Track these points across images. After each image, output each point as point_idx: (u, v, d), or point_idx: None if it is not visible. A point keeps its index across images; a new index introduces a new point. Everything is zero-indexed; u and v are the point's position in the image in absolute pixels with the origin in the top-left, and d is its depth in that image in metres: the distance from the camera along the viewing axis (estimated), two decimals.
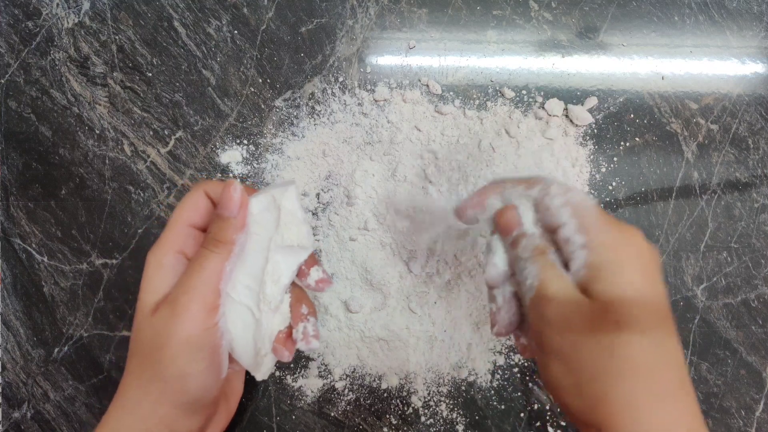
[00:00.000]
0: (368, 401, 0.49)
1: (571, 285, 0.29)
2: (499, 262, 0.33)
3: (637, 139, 0.49)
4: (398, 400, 0.49)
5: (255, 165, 0.50)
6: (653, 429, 0.26)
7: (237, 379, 0.42)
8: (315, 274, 0.36)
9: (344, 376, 0.49)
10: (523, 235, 0.31)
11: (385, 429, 0.49)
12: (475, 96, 0.50)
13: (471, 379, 0.48)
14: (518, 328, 0.34)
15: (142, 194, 0.50)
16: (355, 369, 0.49)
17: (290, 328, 0.36)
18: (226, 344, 0.33)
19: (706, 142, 0.49)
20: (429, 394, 0.49)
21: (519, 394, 0.48)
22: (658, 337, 0.27)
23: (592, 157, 0.49)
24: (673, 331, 0.28)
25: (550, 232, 0.31)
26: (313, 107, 0.50)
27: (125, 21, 0.50)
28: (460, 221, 0.35)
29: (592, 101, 0.49)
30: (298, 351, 0.50)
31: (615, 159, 0.49)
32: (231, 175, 0.50)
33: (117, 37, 0.50)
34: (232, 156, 0.50)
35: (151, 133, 0.50)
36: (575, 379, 0.27)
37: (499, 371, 0.48)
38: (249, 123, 0.50)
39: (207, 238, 0.32)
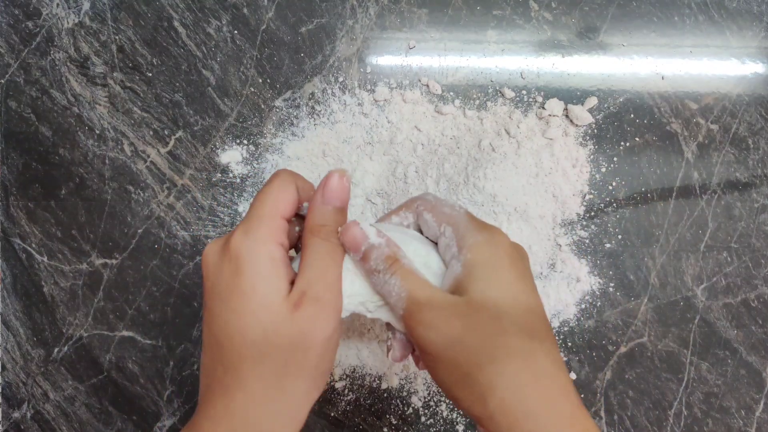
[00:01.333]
0: (368, 401, 0.49)
1: (437, 288, 0.30)
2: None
3: (637, 139, 0.49)
4: (398, 400, 0.49)
5: (255, 165, 0.50)
6: (539, 408, 0.27)
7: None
8: None
9: (344, 376, 0.49)
10: (372, 248, 0.31)
11: (385, 429, 0.49)
12: (475, 96, 0.50)
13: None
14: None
15: (142, 194, 0.50)
16: (355, 369, 0.49)
17: None
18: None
19: (706, 142, 0.49)
20: (429, 394, 0.49)
21: None
22: (536, 338, 0.29)
23: (592, 157, 0.49)
24: (551, 334, 0.30)
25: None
26: (313, 107, 0.50)
27: (125, 21, 0.50)
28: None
29: (592, 101, 0.49)
30: None
31: (615, 159, 0.49)
32: (231, 175, 0.50)
33: (117, 37, 0.50)
34: (232, 156, 0.50)
35: (151, 133, 0.50)
36: (462, 373, 0.28)
37: None
38: (249, 123, 0.50)
39: (324, 231, 0.31)
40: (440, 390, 0.48)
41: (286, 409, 0.30)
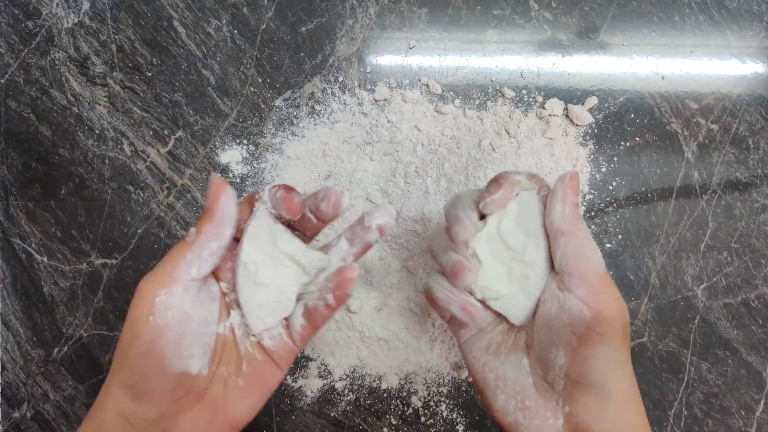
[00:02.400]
0: (368, 401, 0.49)
1: None
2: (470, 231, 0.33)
3: (637, 139, 0.49)
4: (398, 401, 0.49)
5: (255, 165, 0.50)
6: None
7: (240, 400, 0.35)
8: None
9: (344, 377, 0.49)
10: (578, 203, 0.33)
11: (385, 429, 0.49)
12: (475, 96, 0.50)
13: (471, 379, 0.48)
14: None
15: (141, 194, 0.50)
16: (355, 369, 0.49)
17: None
18: (175, 334, 0.32)
19: (707, 142, 0.49)
20: (429, 394, 0.49)
21: None
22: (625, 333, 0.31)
23: (592, 157, 0.49)
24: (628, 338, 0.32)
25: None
26: (313, 107, 0.50)
27: (125, 21, 0.50)
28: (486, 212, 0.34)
29: (592, 101, 0.49)
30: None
31: (615, 159, 0.49)
32: (231, 175, 0.50)
33: (117, 37, 0.50)
34: (231, 156, 0.50)
35: (151, 132, 0.50)
36: (622, 353, 0.30)
37: None
38: (249, 123, 0.50)
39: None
40: (440, 390, 0.48)
41: (106, 390, 0.32)
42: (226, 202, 0.33)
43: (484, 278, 0.33)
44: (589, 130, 0.49)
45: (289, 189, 0.33)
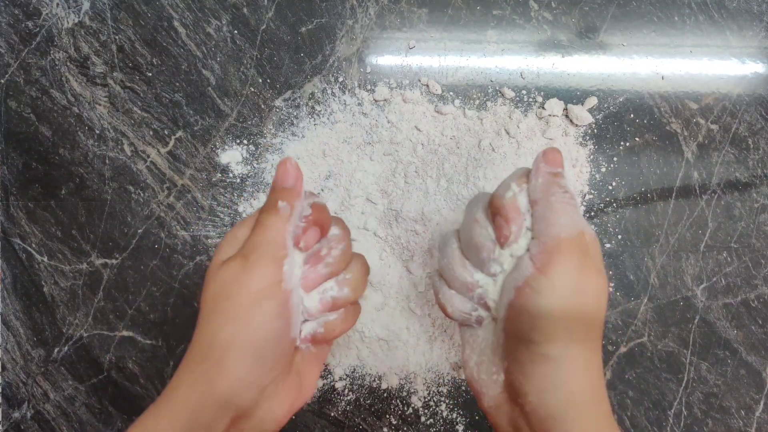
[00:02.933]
0: (368, 401, 0.49)
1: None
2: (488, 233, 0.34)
3: (637, 139, 0.49)
4: (398, 400, 0.49)
5: (255, 165, 0.50)
6: (578, 397, 0.29)
7: (313, 366, 0.38)
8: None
9: (344, 377, 0.49)
10: (563, 176, 0.33)
11: (385, 429, 0.49)
12: (475, 96, 0.50)
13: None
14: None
15: (142, 194, 0.50)
16: (355, 369, 0.49)
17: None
18: (297, 304, 0.33)
19: (706, 142, 0.49)
20: (429, 394, 0.49)
21: None
22: (590, 326, 0.31)
23: (592, 157, 0.49)
24: (602, 321, 0.32)
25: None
26: (313, 107, 0.50)
27: (125, 21, 0.50)
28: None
29: (592, 101, 0.49)
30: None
31: (615, 159, 0.49)
32: (231, 175, 0.50)
33: (117, 37, 0.50)
34: (232, 156, 0.50)
35: (151, 133, 0.50)
36: (516, 342, 0.30)
37: None
38: (249, 123, 0.50)
39: (267, 203, 0.34)
40: (440, 390, 0.48)
41: (210, 356, 0.31)
42: (302, 182, 0.35)
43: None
44: (589, 131, 0.49)
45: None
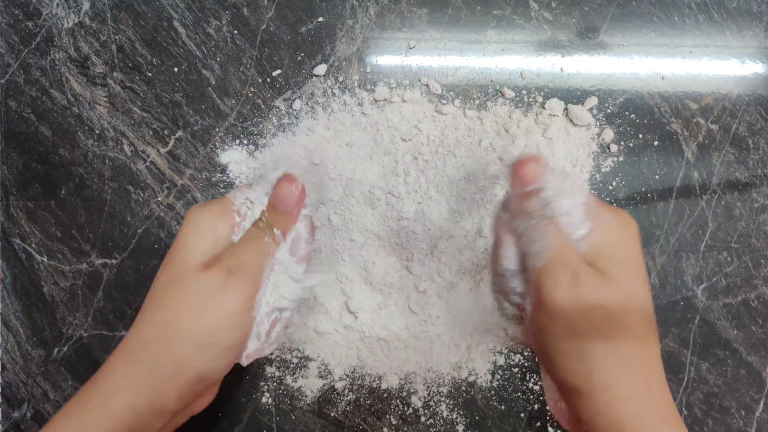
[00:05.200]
0: (368, 401, 0.49)
1: (579, 256, 0.31)
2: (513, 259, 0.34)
3: (637, 138, 0.49)
4: (398, 401, 0.49)
5: (255, 165, 0.50)
6: (642, 396, 0.28)
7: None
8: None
9: (344, 377, 0.49)
10: (538, 190, 0.32)
11: (385, 429, 0.49)
12: (475, 96, 0.50)
13: (471, 379, 0.48)
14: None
15: (141, 194, 0.50)
16: (355, 369, 0.49)
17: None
18: (255, 328, 0.34)
19: (706, 142, 0.49)
20: (429, 394, 0.49)
21: (519, 394, 0.48)
22: (651, 316, 0.30)
23: (592, 156, 0.49)
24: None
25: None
26: (313, 107, 0.50)
27: (125, 21, 0.50)
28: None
29: (592, 101, 0.49)
30: (298, 351, 0.50)
31: (615, 159, 0.49)
32: (231, 175, 0.50)
33: (117, 37, 0.50)
34: (232, 156, 0.50)
35: (151, 133, 0.50)
36: (579, 345, 0.29)
37: (499, 371, 0.48)
38: (249, 123, 0.50)
39: (265, 221, 0.34)
40: (440, 390, 0.48)
41: (163, 361, 0.30)
42: (301, 206, 0.36)
43: None
44: (590, 131, 0.49)
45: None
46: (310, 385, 0.49)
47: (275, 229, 0.33)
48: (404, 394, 0.49)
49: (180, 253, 0.32)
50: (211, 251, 0.32)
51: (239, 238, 0.34)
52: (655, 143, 0.49)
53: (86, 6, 0.51)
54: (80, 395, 0.31)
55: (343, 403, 0.49)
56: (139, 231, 0.50)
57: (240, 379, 0.49)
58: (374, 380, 0.49)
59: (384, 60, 0.50)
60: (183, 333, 0.30)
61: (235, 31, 0.50)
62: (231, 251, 0.32)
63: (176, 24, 0.50)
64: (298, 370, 0.49)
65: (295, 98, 0.50)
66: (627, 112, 0.49)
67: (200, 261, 0.32)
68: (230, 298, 0.31)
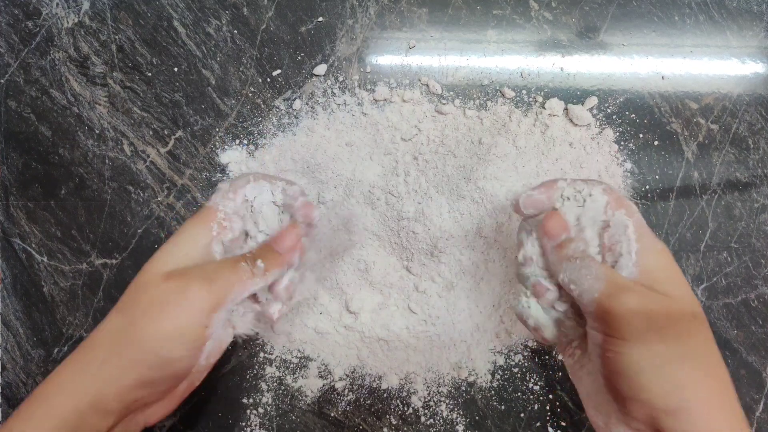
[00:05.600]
0: (368, 401, 0.49)
1: (633, 282, 0.32)
2: (530, 251, 0.36)
3: (637, 138, 0.49)
4: (398, 401, 0.49)
5: (255, 165, 0.50)
6: (723, 423, 0.29)
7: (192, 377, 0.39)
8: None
9: (344, 377, 0.49)
10: (570, 239, 0.34)
11: (385, 429, 0.49)
12: (475, 96, 0.50)
13: (471, 379, 0.48)
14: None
15: (141, 194, 0.50)
16: (355, 369, 0.49)
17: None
18: (209, 346, 0.34)
19: (706, 142, 0.49)
20: (429, 394, 0.49)
21: (519, 394, 0.48)
22: (709, 331, 0.32)
23: (592, 156, 0.49)
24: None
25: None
26: (313, 107, 0.50)
27: (125, 21, 0.50)
28: (518, 214, 0.37)
29: (592, 101, 0.49)
30: (298, 351, 0.49)
31: (615, 159, 0.49)
32: (230, 175, 0.50)
33: (117, 37, 0.50)
34: (232, 156, 0.50)
35: (151, 133, 0.50)
36: (659, 362, 0.29)
37: (499, 371, 0.48)
38: (249, 123, 0.50)
39: (252, 254, 0.35)
40: (440, 390, 0.48)
41: (105, 368, 0.31)
42: (296, 255, 0.36)
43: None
44: (589, 130, 0.49)
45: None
46: (310, 385, 0.49)
47: (258, 261, 0.34)
48: (404, 394, 0.49)
49: (152, 262, 0.33)
50: (183, 261, 0.33)
51: (230, 250, 0.35)
52: (655, 143, 0.49)
53: (86, 6, 0.51)
54: (31, 396, 0.32)
55: (343, 403, 0.49)
56: (139, 231, 0.50)
57: (240, 379, 0.49)
58: (374, 380, 0.49)
59: (384, 60, 0.50)
60: (132, 338, 0.31)
61: (235, 31, 0.50)
62: (202, 265, 0.33)
63: (176, 24, 0.50)
64: (298, 370, 0.49)
65: (295, 98, 0.50)
66: (627, 112, 0.49)
67: (167, 270, 0.32)
68: (185, 310, 0.31)
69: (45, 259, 0.50)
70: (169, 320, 0.31)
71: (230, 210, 0.36)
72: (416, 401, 0.48)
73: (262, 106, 0.50)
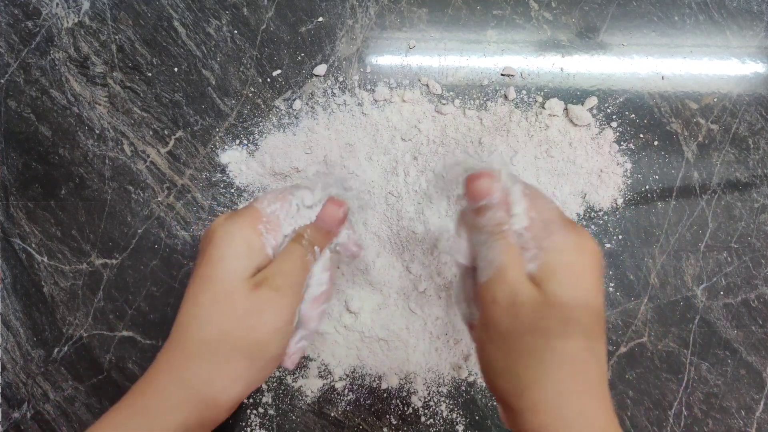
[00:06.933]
0: (368, 401, 0.49)
1: (525, 275, 0.30)
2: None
3: (637, 138, 0.49)
4: (398, 401, 0.49)
5: (255, 165, 0.50)
6: (574, 418, 0.28)
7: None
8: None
9: (344, 377, 0.49)
10: (489, 206, 0.32)
11: (385, 429, 0.49)
12: (475, 96, 0.50)
13: (471, 379, 0.48)
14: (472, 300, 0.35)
15: (141, 194, 0.50)
16: (355, 369, 0.49)
17: None
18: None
19: (706, 142, 0.49)
20: (429, 394, 0.49)
21: None
22: (593, 340, 0.29)
23: (592, 156, 0.49)
24: (605, 336, 0.31)
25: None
26: (313, 107, 0.50)
27: (125, 21, 0.50)
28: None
29: (592, 101, 0.49)
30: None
31: (615, 159, 0.49)
32: (230, 174, 0.50)
33: (117, 37, 0.50)
34: (232, 156, 0.50)
35: (151, 133, 0.50)
36: (510, 363, 0.29)
37: None
38: (249, 123, 0.50)
39: (303, 239, 0.35)
40: (440, 390, 0.48)
41: (216, 377, 0.31)
42: (343, 225, 0.37)
43: None
44: (589, 131, 0.49)
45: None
46: (310, 385, 0.49)
47: (316, 247, 0.35)
48: (404, 394, 0.49)
49: (219, 269, 0.32)
50: (250, 266, 0.33)
51: (276, 251, 0.35)
52: (655, 143, 0.49)
53: (86, 6, 0.51)
54: (126, 407, 0.31)
55: (343, 403, 0.49)
56: (139, 231, 0.50)
57: None
58: (374, 380, 0.49)
59: (384, 60, 0.50)
60: (234, 351, 0.31)
61: (235, 31, 0.50)
62: (278, 269, 0.33)
63: (176, 24, 0.50)
64: (298, 370, 0.49)
65: (295, 98, 0.50)
66: (627, 112, 0.49)
67: (244, 277, 0.33)
68: (278, 315, 0.32)
69: (45, 259, 0.50)
70: (267, 326, 0.32)
71: (278, 210, 0.36)
72: (416, 401, 0.48)
73: (262, 106, 0.50)
